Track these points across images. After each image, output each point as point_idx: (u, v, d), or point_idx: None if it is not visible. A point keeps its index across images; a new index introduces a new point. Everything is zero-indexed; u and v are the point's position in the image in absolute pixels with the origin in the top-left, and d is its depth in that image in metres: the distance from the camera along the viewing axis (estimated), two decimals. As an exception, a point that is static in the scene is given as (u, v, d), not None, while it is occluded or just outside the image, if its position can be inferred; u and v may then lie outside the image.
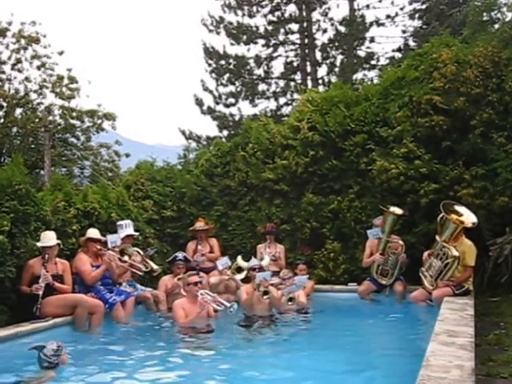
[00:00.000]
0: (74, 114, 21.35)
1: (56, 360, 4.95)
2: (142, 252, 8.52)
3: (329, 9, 24.76)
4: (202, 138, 24.42)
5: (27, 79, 21.04)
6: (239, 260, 8.82)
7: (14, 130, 21.00)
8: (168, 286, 8.50)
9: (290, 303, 7.75)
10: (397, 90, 9.78)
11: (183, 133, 24.61)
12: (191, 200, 11.03)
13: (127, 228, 8.61)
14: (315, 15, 24.94)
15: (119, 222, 8.69)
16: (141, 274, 8.32)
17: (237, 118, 24.65)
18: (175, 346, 6.31)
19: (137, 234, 8.93)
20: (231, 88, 25.08)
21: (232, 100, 25.03)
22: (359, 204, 9.73)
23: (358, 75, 23.78)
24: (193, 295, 7.19)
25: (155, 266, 8.49)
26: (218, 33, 24.93)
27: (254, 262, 8.32)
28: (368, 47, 24.37)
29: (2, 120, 20.54)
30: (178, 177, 11.42)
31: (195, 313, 7.02)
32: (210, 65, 24.92)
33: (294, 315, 7.80)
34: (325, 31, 24.79)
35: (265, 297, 7.54)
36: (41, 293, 6.74)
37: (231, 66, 24.84)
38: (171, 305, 8.04)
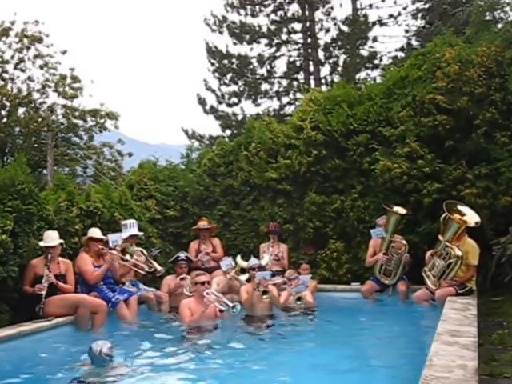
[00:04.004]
0: (77, 114, 21.38)
1: (111, 358, 5.21)
2: (145, 252, 8.53)
3: (332, 8, 24.82)
4: (204, 137, 24.46)
5: (30, 79, 21.08)
6: (239, 260, 8.80)
7: (17, 129, 21.03)
8: (171, 286, 8.52)
9: (298, 302, 7.76)
10: (400, 89, 9.76)
11: (186, 132, 24.68)
12: (194, 199, 11.03)
13: (131, 228, 8.61)
14: (318, 15, 25.02)
15: (124, 222, 8.70)
16: (144, 273, 8.31)
17: (239, 117, 24.70)
18: (180, 345, 6.32)
19: (141, 234, 8.93)
20: (234, 87, 25.15)
21: (235, 99, 25.07)
22: (362, 203, 9.72)
23: (361, 75, 23.83)
24: (200, 295, 7.20)
25: (159, 267, 8.48)
26: (220, 32, 24.98)
27: (253, 261, 8.30)
28: (371, 47, 24.43)
29: (5, 119, 20.58)
30: (180, 176, 11.43)
31: (200, 312, 7.03)
32: (212, 64, 24.96)
33: (299, 314, 7.82)
34: (328, 31, 24.84)
35: (264, 296, 7.54)
36: (44, 293, 6.74)
37: (234, 66, 24.87)
38: (174, 305, 8.08)
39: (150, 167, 11.53)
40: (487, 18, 11.26)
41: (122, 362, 5.46)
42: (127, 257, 8.19)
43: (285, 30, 25.00)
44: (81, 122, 21.65)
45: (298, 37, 25.17)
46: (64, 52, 21.30)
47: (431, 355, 4.23)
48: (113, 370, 5.19)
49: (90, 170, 21.68)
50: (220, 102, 25.12)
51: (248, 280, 8.38)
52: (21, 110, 21.14)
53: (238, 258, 8.85)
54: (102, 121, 21.74)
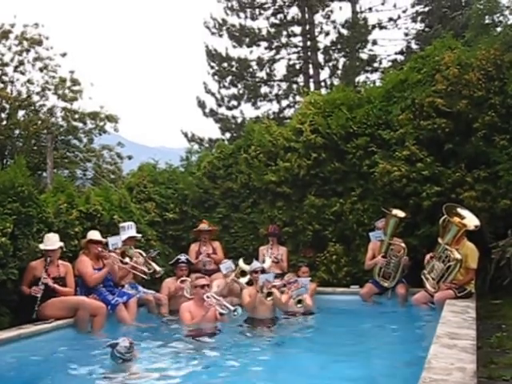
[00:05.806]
0: (77, 116, 21.41)
1: (129, 356, 5.24)
2: (144, 254, 8.53)
3: (331, 11, 24.84)
4: (204, 140, 24.47)
5: (30, 81, 21.11)
6: (241, 263, 8.79)
7: (17, 132, 21.06)
8: (171, 288, 8.50)
9: (299, 305, 7.75)
10: (399, 92, 9.78)
11: (186, 135, 24.66)
12: (193, 202, 11.03)
13: (129, 230, 8.60)
14: (318, 18, 25.04)
15: (121, 224, 8.69)
16: (144, 276, 8.30)
17: (239, 120, 24.69)
18: (179, 347, 6.32)
19: (139, 235, 8.92)
20: (234, 90, 25.14)
21: (234, 102, 25.06)
22: (361, 206, 9.72)
23: (361, 78, 23.90)
24: (200, 298, 7.20)
25: (158, 268, 8.48)
26: (220, 35, 24.99)
27: (255, 264, 8.30)
28: (370, 50, 24.47)
29: (5, 122, 20.61)
30: (180, 179, 11.43)
31: (200, 315, 7.03)
32: (212, 67, 24.96)
33: (298, 317, 7.82)
34: (327, 34, 24.88)
35: (268, 298, 7.52)
36: (39, 295, 6.74)
37: (234, 69, 24.87)
38: (174, 307, 8.06)
39: (149, 170, 11.52)
40: (486, 21, 11.29)
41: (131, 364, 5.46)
42: (127, 259, 8.18)
43: (284, 33, 25.01)
44: (80, 125, 21.69)
45: (297, 40, 25.21)
46: (64, 55, 21.36)
47: (430, 358, 4.24)
48: (118, 370, 5.21)
49: (90, 173, 21.71)
50: (219, 105, 25.14)
51: (248, 283, 8.37)
52: (20, 113, 21.20)
53: (241, 261, 8.83)
54: (101, 123, 21.77)
